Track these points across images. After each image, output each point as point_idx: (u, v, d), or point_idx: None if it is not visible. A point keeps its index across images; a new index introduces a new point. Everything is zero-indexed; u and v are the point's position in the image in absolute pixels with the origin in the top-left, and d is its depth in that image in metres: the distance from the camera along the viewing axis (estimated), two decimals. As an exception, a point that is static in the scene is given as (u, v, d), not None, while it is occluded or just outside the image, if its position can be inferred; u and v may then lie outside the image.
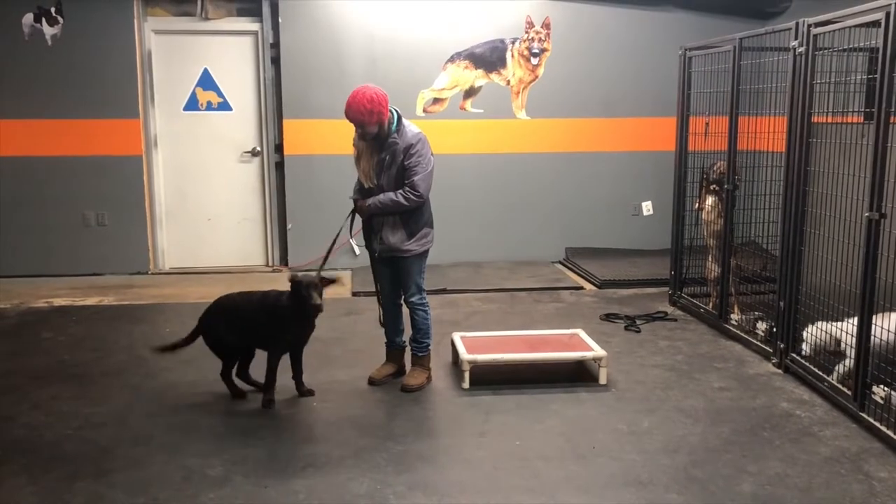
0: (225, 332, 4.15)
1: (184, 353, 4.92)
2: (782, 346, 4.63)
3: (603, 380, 4.43)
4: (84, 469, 3.45)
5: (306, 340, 4.22)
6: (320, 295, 3.99)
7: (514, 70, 7.59)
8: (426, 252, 4.40)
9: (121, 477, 3.38)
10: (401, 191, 4.17)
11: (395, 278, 4.43)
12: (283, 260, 7.62)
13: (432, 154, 4.24)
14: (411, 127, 4.23)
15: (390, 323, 4.53)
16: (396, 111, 4.20)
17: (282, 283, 4.25)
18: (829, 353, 4.24)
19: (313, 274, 4.09)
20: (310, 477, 3.37)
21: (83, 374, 4.66)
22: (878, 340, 3.84)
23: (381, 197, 4.20)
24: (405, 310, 4.50)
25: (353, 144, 4.27)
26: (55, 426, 3.91)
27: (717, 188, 5.44)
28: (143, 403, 4.21)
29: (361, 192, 4.35)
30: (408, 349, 4.55)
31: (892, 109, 3.59)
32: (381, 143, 4.17)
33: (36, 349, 5.17)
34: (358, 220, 4.37)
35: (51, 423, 3.94)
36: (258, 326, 4.11)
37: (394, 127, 4.16)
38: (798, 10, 6.56)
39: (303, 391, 4.27)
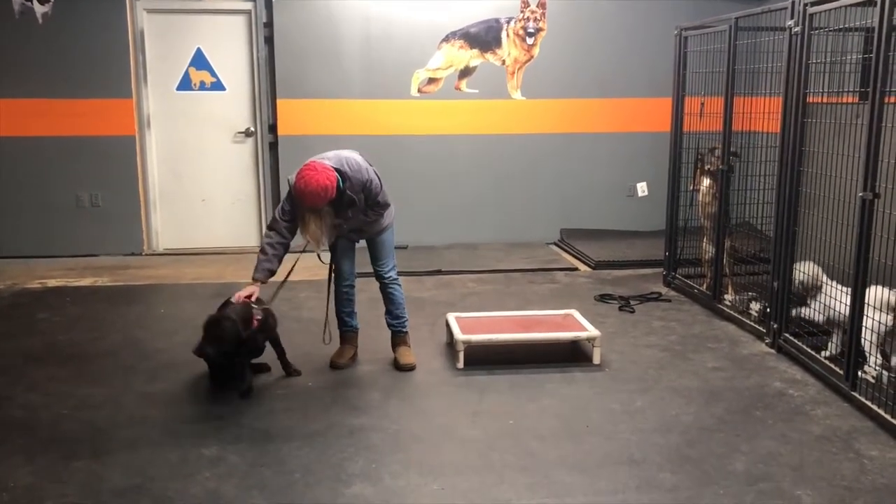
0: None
1: (178, 335, 4.95)
2: (776, 326, 4.65)
3: (597, 360, 4.45)
4: (80, 449, 3.46)
5: (254, 349, 4.13)
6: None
7: (509, 50, 7.56)
8: (394, 219, 4.43)
9: (117, 457, 3.39)
10: (371, 211, 4.20)
11: (354, 259, 4.43)
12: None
13: (371, 166, 4.16)
14: (349, 162, 4.03)
15: (344, 307, 4.48)
16: (335, 169, 3.98)
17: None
18: (809, 290, 4.36)
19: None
20: (305, 456, 3.38)
21: (78, 355, 4.66)
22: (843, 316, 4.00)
23: (352, 224, 4.21)
24: (360, 293, 4.52)
25: (301, 214, 4.00)
26: (51, 407, 3.92)
27: (712, 169, 5.45)
28: (139, 384, 4.21)
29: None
30: (363, 329, 4.58)
31: (887, 89, 3.59)
32: (333, 204, 4.01)
33: (31, 330, 5.16)
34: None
35: (47, 404, 3.95)
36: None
37: (342, 185, 3.99)
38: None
39: (290, 371, 4.27)
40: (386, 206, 4.25)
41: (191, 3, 7.26)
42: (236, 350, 3.92)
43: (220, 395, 4.06)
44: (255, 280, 4.04)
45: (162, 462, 3.34)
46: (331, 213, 4.01)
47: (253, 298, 4.03)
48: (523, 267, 6.80)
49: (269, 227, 4.11)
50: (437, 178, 7.62)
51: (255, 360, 4.24)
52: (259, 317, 4.01)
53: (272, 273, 4.07)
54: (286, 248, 4.09)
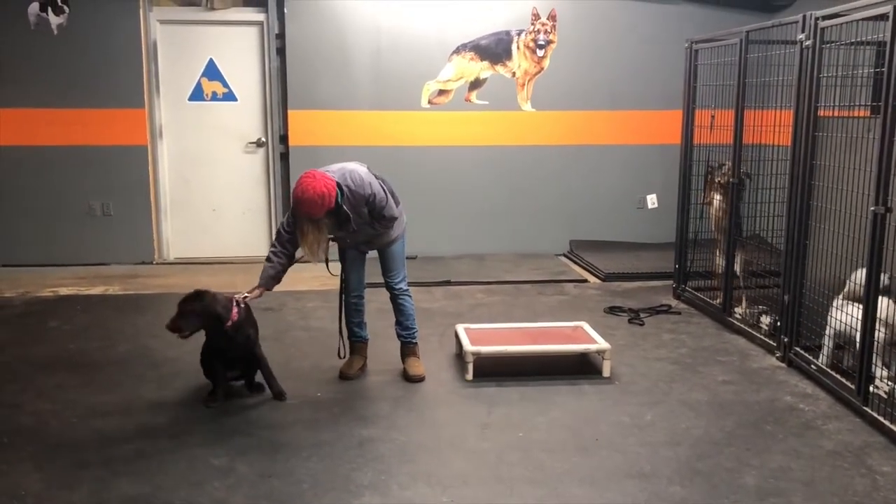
0: None
1: (187, 345, 4.93)
2: (786, 339, 4.63)
3: (606, 372, 4.44)
4: (90, 457, 3.47)
5: (230, 348, 4.03)
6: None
7: (519, 62, 7.58)
8: (404, 231, 4.42)
9: (126, 465, 3.40)
10: (377, 223, 4.18)
11: (364, 270, 4.44)
12: (288, 251, 7.63)
13: (377, 179, 4.16)
14: (353, 176, 4.03)
15: (354, 317, 4.49)
16: (336, 183, 3.98)
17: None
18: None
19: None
20: (314, 467, 3.38)
21: (88, 363, 4.68)
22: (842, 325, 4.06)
23: (360, 236, 4.22)
24: (369, 304, 4.55)
25: (300, 224, 4.02)
26: (61, 414, 3.93)
27: (723, 183, 5.43)
28: (148, 392, 4.23)
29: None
30: (372, 340, 4.59)
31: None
32: (331, 218, 4.02)
33: (41, 338, 5.19)
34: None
35: (57, 412, 3.96)
36: None
37: (340, 199, 3.98)
38: (805, 3, 6.53)
39: (275, 391, 4.13)
40: (392, 219, 4.23)
41: (203, 14, 7.31)
42: (213, 335, 3.97)
43: (228, 404, 4.07)
44: (259, 285, 4.12)
45: (170, 471, 3.35)
46: (329, 225, 4.02)
47: (252, 297, 4.08)
48: (532, 278, 6.80)
49: (275, 239, 4.19)
50: (447, 189, 7.63)
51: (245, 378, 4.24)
52: (239, 310, 3.97)
53: (275, 280, 4.12)
54: (289, 259, 4.14)
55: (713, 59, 5.63)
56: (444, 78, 7.53)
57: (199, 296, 3.88)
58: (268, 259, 4.14)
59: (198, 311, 3.85)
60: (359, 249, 4.38)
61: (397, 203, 4.31)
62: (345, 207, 4.00)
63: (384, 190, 4.17)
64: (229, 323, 3.92)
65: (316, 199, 3.85)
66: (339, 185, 3.97)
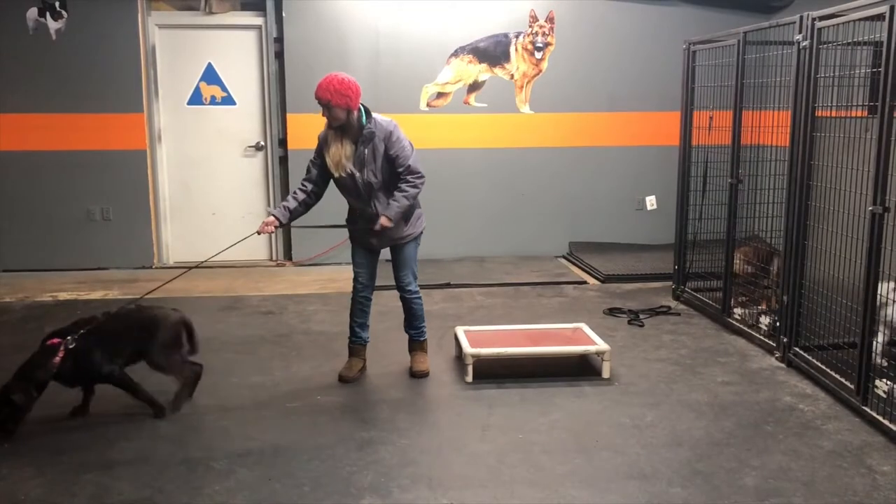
0: None
1: (188, 347, 4.95)
2: (785, 340, 4.63)
3: (606, 374, 4.44)
4: (90, 461, 3.47)
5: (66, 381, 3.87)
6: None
7: (517, 64, 7.59)
8: (421, 234, 4.44)
9: (126, 469, 3.40)
10: (404, 183, 4.18)
11: (375, 270, 4.46)
12: (287, 255, 7.63)
13: (406, 137, 4.28)
14: (381, 117, 4.22)
15: (358, 317, 4.49)
16: (364, 106, 4.18)
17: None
18: None
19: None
20: (314, 470, 3.38)
21: (88, 368, 4.67)
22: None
23: (395, 205, 4.17)
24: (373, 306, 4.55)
25: (319, 137, 4.26)
26: (61, 419, 3.93)
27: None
28: (149, 397, 4.23)
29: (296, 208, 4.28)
30: (372, 342, 4.60)
31: (897, 103, 3.59)
32: (353, 136, 4.15)
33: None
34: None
35: (57, 416, 3.95)
36: None
37: (364, 120, 4.14)
38: (802, 4, 6.54)
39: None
40: (418, 173, 4.22)
41: (202, 18, 7.32)
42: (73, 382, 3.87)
43: (227, 408, 4.07)
44: (270, 213, 4.32)
45: (171, 475, 3.35)
46: (349, 140, 4.13)
47: (269, 230, 4.23)
48: (532, 280, 6.80)
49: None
50: (446, 192, 7.63)
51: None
52: (62, 354, 3.77)
53: (287, 210, 4.26)
54: (307, 195, 4.28)
55: (711, 60, 5.64)
56: (442, 81, 7.54)
57: (8, 400, 3.68)
58: (293, 194, 4.31)
59: (19, 407, 3.68)
60: (371, 247, 4.37)
61: (419, 204, 4.38)
62: (369, 126, 4.10)
63: (412, 147, 4.25)
64: (54, 369, 3.75)
65: (338, 85, 3.97)
66: (368, 109, 4.14)
